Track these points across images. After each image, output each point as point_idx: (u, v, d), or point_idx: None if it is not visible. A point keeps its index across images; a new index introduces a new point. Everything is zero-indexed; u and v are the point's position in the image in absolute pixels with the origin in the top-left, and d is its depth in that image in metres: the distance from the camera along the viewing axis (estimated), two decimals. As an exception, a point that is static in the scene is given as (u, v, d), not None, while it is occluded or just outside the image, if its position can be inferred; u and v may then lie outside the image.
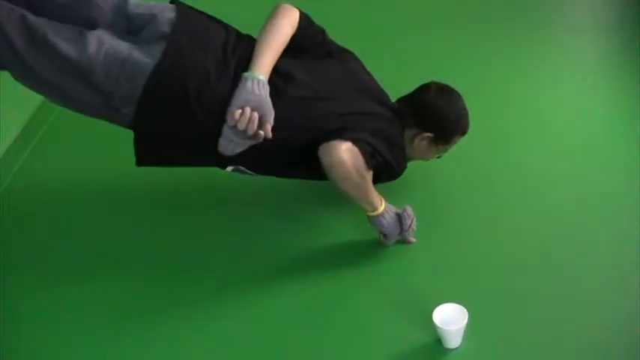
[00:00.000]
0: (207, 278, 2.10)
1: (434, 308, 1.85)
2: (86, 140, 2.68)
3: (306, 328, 1.94)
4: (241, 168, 2.06)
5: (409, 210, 2.11)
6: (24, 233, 2.28)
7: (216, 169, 2.08)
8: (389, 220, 2.08)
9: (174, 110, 1.89)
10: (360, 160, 1.97)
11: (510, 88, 2.83)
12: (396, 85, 2.26)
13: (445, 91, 2.22)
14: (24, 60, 1.81)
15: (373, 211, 2.07)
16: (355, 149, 1.96)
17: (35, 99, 2.74)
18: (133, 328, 1.96)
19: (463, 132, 2.24)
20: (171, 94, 1.88)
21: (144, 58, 1.85)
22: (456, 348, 1.84)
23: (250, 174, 2.10)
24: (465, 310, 1.84)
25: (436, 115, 2.18)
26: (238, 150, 1.93)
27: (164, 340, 1.92)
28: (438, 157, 2.30)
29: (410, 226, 2.11)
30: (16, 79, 1.91)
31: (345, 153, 1.95)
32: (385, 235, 2.12)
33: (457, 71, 2.78)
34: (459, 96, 2.23)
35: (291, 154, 2.03)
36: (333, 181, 1.99)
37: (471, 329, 1.83)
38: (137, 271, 2.13)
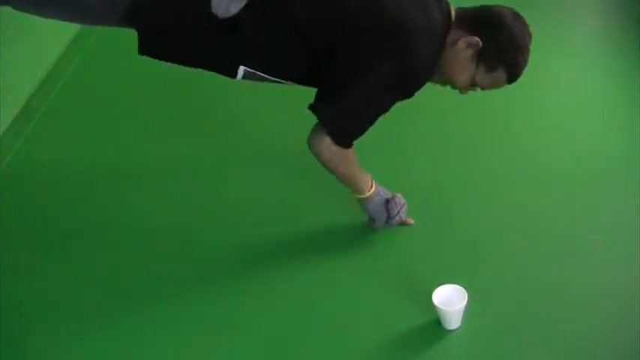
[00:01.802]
0: (203, 263, 2.09)
1: (434, 289, 1.84)
2: (84, 121, 2.68)
3: (305, 310, 1.94)
4: (250, 70, 1.90)
5: (398, 198, 2.08)
6: (22, 214, 2.27)
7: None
8: (376, 204, 2.06)
9: None
10: (341, 156, 1.92)
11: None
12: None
13: (522, 22, 1.92)
14: None
15: (360, 194, 2.04)
16: (335, 148, 1.89)
17: (34, 78, 2.76)
18: (131, 305, 1.97)
19: (512, 68, 1.90)
20: None
21: None
22: (456, 329, 1.84)
23: (262, 76, 1.93)
24: (464, 291, 1.83)
25: (498, 23, 1.88)
26: (233, 9, 1.78)
27: (157, 323, 1.92)
28: (471, 89, 1.97)
29: (398, 214, 2.07)
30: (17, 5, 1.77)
31: (325, 151, 1.90)
32: (372, 220, 2.11)
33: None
34: (531, 37, 1.92)
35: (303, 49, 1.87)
36: None
37: (471, 311, 1.83)
38: (136, 251, 2.12)
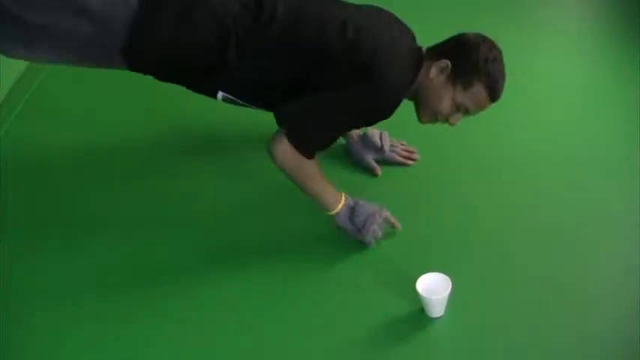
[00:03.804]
0: (192, 249, 2.10)
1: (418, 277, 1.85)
2: (69, 107, 2.65)
3: (290, 300, 1.94)
4: (230, 97, 1.99)
5: (379, 214, 1.99)
6: (8, 199, 2.25)
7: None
8: (342, 219, 1.99)
9: (172, 22, 1.85)
10: (298, 163, 1.91)
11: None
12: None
13: (488, 40, 1.97)
14: (11, 10, 1.76)
15: (326, 210, 1.99)
16: (291, 153, 1.89)
17: (16, 67, 2.73)
18: (121, 296, 1.95)
19: (488, 81, 1.92)
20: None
21: None
22: (440, 317, 1.85)
23: (241, 104, 2.03)
24: (448, 279, 1.84)
25: (465, 43, 1.94)
26: None
27: (156, 311, 1.91)
28: (461, 113, 1.98)
29: (368, 225, 1.98)
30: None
31: (280, 153, 1.90)
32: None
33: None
34: (501, 53, 1.96)
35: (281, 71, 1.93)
36: None
37: (455, 299, 1.84)
38: (123, 238, 2.12)
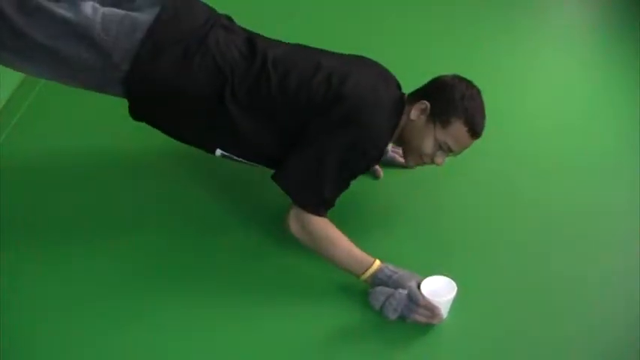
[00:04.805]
0: (183, 245, 2.09)
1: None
2: (70, 114, 2.63)
3: (292, 300, 1.93)
4: (228, 155, 2.02)
5: (399, 294, 1.82)
6: (9, 204, 2.22)
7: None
8: (373, 288, 1.87)
9: (173, 63, 1.88)
10: (311, 229, 1.90)
11: (496, 63, 2.86)
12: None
13: (465, 80, 2.03)
14: (14, 26, 1.78)
15: (356, 275, 1.90)
16: (302, 218, 1.91)
17: (17, 74, 2.72)
18: (122, 298, 1.94)
19: (465, 117, 1.96)
20: (171, 41, 1.88)
21: (141, 15, 1.86)
22: (442, 321, 1.83)
23: (240, 161, 2.05)
24: (453, 283, 1.83)
25: (442, 84, 2.00)
26: None
27: (156, 312, 1.90)
28: (445, 153, 2.01)
29: (390, 310, 1.82)
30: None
31: (293, 224, 1.92)
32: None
33: (442, 53, 2.80)
34: (478, 91, 2.02)
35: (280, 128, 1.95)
36: None
37: (459, 304, 1.83)
38: (124, 241, 2.10)
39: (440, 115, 1.97)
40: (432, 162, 2.03)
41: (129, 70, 1.87)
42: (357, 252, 1.90)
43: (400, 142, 2.07)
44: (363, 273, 1.88)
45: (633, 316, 1.86)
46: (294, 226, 1.93)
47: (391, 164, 2.34)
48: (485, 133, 2.39)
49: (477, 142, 2.39)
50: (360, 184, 2.26)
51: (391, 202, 2.10)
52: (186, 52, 1.89)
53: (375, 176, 2.31)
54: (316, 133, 1.91)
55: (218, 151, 2.02)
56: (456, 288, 1.82)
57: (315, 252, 1.94)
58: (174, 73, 1.89)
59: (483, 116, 1.99)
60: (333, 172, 1.89)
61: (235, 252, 2.07)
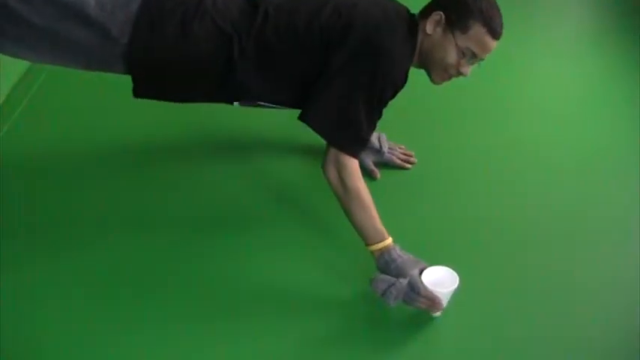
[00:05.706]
0: (186, 245, 2.10)
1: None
2: (70, 108, 2.64)
3: (296, 296, 1.94)
4: (247, 104, 2.00)
5: (399, 284, 1.79)
6: (9, 199, 2.22)
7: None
8: (380, 269, 1.86)
9: (173, 30, 1.88)
10: (348, 178, 1.88)
11: (496, 64, 2.89)
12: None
13: None
14: (14, 11, 1.79)
15: (368, 245, 1.88)
16: (341, 161, 1.89)
17: (18, 67, 2.73)
18: (128, 291, 1.94)
19: (483, 18, 1.92)
20: (168, 8, 1.88)
21: None
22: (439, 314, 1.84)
23: (258, 104, 2.03)
24: (456, 274, 1.82)
25: None
26: None
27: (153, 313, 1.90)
28: (467, 62, 1.97)
29: (390, 298, 1.79)
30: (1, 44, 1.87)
31: (331, 170, 1.91)
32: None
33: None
34: None
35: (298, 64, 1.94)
36: None
37: (460, 304, 1.83)
38: (125, 238, 2.10)
39: (457, 21, 1.93)
40: (459, 74, 2.00)
41: (129, 43, 1.86)
42: (378, 222, 1.88)
43: (422, 60, 2.02)
44: (375, 244, 1.87)
45: (633, 315, 1.88)
46: (331, 172, 1.91)
47: (388, 166, 2.37)
48: (484, 132, 2.45)
49: (477, 141, 2.46)
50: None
51: (388, 203, 2.11)
52: (184, 17, 1.89)
53: (372, 177, 2.34)
54: (338, 67, 1.88)
55: (236, 103, 2.02)
56: (458, 280, 1.80)
57: (340, 202, 1.91)
58: (175, 40, 1.88)
59: (500, 15, 1.96)
60: (363, 107, 1.88)
61: (235, 252, 2.07)
